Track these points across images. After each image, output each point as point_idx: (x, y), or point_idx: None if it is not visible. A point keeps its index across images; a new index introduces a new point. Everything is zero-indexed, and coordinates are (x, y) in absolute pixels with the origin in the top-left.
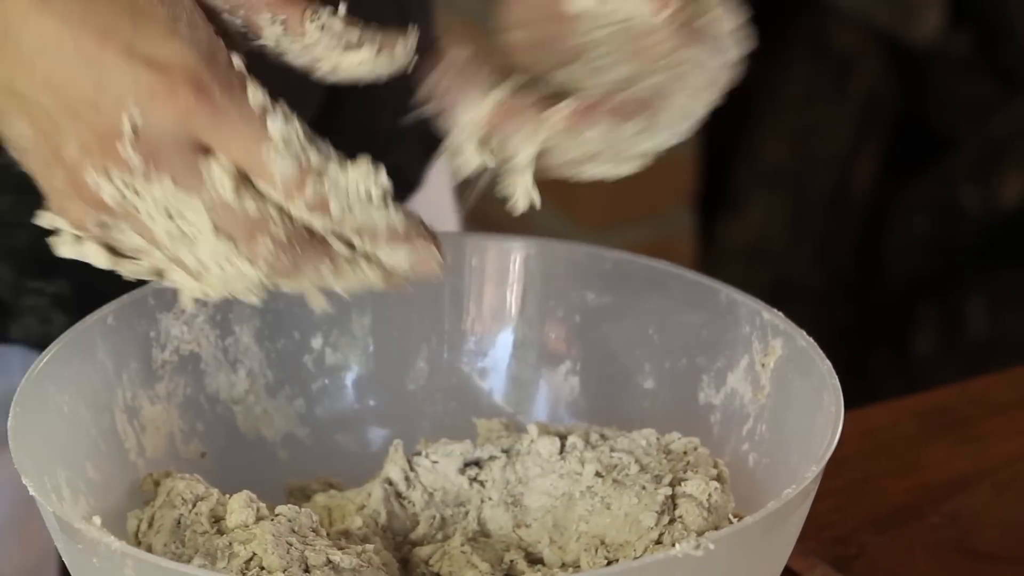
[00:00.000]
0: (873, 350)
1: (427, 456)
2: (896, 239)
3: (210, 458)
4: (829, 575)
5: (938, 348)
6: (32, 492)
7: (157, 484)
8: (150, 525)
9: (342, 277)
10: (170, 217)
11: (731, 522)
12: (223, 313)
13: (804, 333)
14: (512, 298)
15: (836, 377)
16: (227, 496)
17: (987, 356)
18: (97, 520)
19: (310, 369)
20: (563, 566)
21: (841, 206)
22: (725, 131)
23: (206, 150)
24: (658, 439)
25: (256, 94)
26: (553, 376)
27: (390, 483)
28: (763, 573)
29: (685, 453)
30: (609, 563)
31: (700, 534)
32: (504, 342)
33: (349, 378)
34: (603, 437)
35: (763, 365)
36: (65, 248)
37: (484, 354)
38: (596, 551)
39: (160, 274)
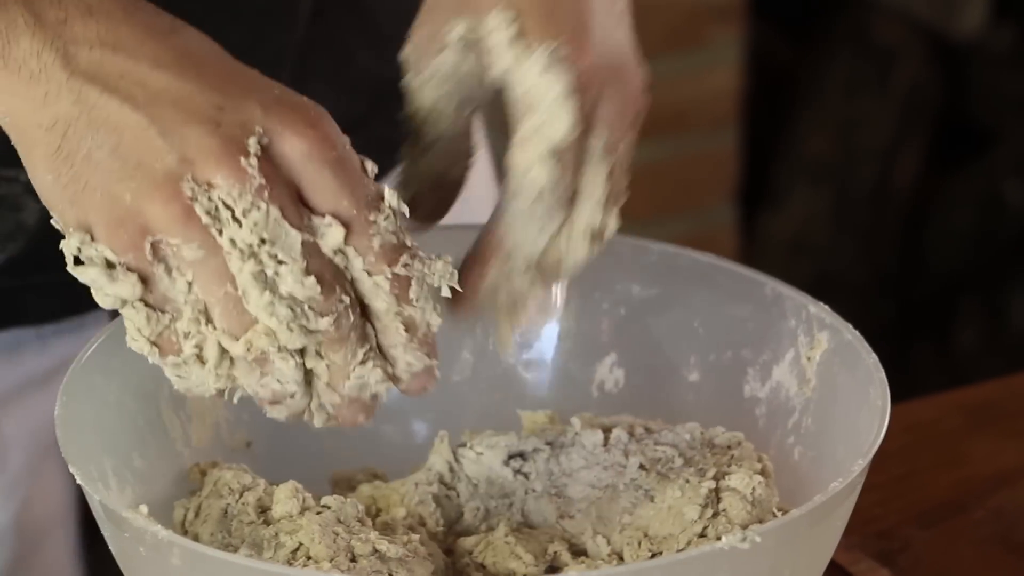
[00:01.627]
0: (915, 345)
1: (472, 448)
2: (938, 233)
3: (255, 448)
4: (874, 569)
5: (980, 343)
6: (79, 481)
7: (204, 474)
8: (197, 515)
9: (363, 366)
10: (253, 256)
11: (775, 516)
12: None
13: (850, 326)
14: (557, 290)
15: (882, 371)
16: (273, 486)
17: None
18: (144, 509)
19: None
20: (607, 557)
21: (883, 200)
22: (766, 125)
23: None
24: (702, 433)
25: (373, 168)
26: (598, 368)
27: (435, 474)
28: (808, 567)
29: (729, 447)
30: (653, 556)
31: (744, 528)
32: (549, 334)
33: None
34: (647, 431)
35: (809, 358)
36: (86, 273)
37: (529, 346)
38: (640, 544)
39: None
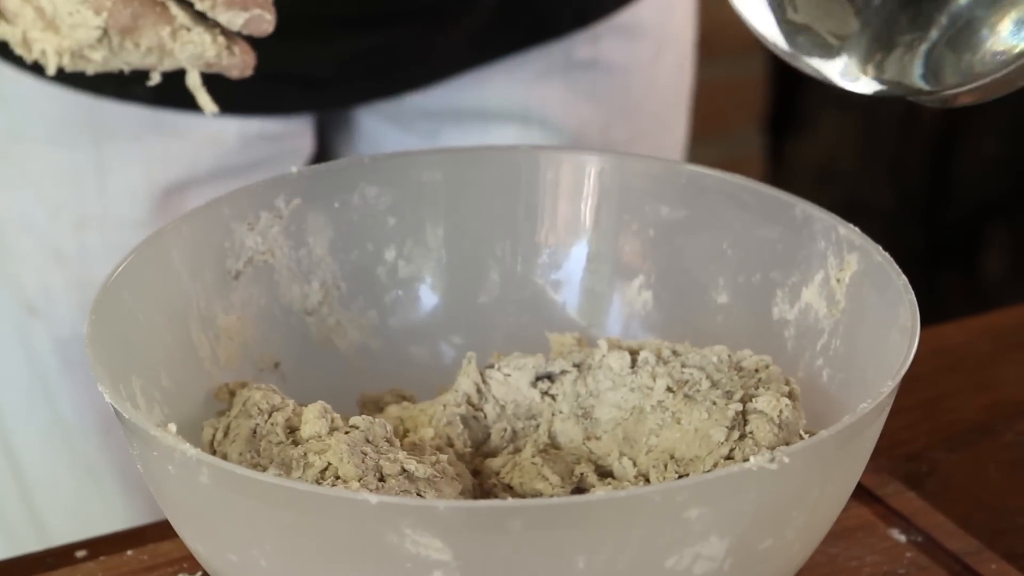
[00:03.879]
0: (942, 272)
1: (499, 369)
2: (967, 160)
3: (284, 368)
4: (901, 492)
5: (1008, 270)
6: (108, 400)
7: (232, 394)
8: (225, 434)
9: (180, 42)
10: None
11: (802, 439)
12: (297, 224)
13: (880, 248)
14: (586, 211)
15: (912, 292)
16: (302, 407)
17: None
18: (172, 427)
19: (383, 281)
20: (633, 479)
21: (912, 127)
22: None
23: None
24: (729, 356)
25: None
26: (626, 290)
27: (463, 396)
28: (836, 489)
29: (756, 370)
30: (679, 477)
31: (771, 450)
32: (578, 255)
33: (422, 290)
34: (675, 353)
35: (838, 280)
36: None
37: (558, 267)
38: (666, 466)
39: (27, 43)
